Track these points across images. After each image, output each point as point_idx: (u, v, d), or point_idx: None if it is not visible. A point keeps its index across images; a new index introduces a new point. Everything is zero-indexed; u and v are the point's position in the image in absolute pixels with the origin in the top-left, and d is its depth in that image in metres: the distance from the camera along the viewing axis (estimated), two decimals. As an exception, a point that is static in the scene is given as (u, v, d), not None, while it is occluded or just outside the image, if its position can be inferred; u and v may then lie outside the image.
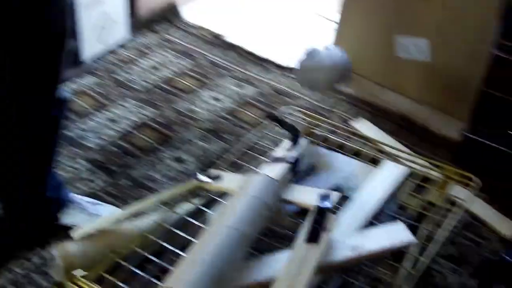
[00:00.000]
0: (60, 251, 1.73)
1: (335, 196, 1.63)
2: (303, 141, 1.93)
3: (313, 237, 1.47)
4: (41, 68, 1.73)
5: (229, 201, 1.60)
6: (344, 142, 2.03)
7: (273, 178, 1.64)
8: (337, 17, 3.00)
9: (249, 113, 2.72)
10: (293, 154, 1.81)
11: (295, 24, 3.43)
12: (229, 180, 1.74)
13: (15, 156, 1.89)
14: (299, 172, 1.84)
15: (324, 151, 1.98)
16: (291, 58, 3.08)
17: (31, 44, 1.65)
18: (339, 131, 2.07)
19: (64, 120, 1.92)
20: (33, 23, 1.62)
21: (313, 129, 2.11)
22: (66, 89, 1.85)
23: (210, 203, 1.78)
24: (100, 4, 2.90)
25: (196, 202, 1.79)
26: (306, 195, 1.66)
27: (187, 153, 2.45)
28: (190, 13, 3.42)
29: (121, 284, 1.45)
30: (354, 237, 1.56)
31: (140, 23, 3.26)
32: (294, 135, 1.90)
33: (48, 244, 1.99)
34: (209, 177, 1.76)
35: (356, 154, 2.00)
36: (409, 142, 2.55)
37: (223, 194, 1.76)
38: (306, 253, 1.43)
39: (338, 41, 3.01)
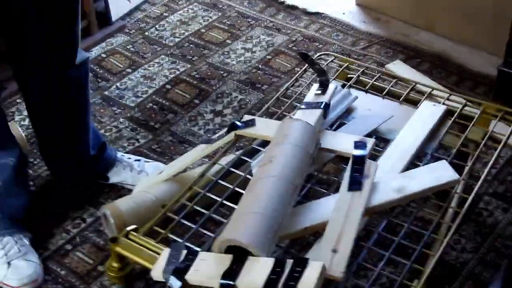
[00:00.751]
0: (111, 209, 1.79)
1: (370, 142, 1.64)
2: (336, 85, 1.93)
3: (355, 185, 1.49)
4: (59, 28, 1.77)
5: (269, 150, 1.61)
6: (380, 84, 2.02)
7: (309, 124, 1.65)
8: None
9: (282, 62, 2.72)
10: (325, 99, 1.81)
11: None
12: (264, 126, 1.75)
13: (49, 119, 1.95)
14: (333, 117, 1.85)
15: (359, 94, 1.97)
16: (318, 3, 3.06)
17: None
18: (374, 74, 2.06)
19: (87, 79, 1.97)
20: None
21: (347, 72, 2.11)
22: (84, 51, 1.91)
23: (251, 152, 1.81)
24: (124, -38, 2.91)
25: (238, 153, 1.81)
26: (343, 142, 1.67)
27: (224, 106, 2.48)
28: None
29: (173, 236, 1.49)
30: (397, 179, 1.57)
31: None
32: (324, 78, 1.89)
33: (99, 203, 2.05)
34: (245, 123, 1.77)
35: (393, 96, 2.00)
36: (446, 82, 2.54)
37: (264, 144, 1.77)
38: (351, 200, 1.45)
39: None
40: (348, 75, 2.09)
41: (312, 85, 1.92)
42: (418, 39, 2.81)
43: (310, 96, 1.85)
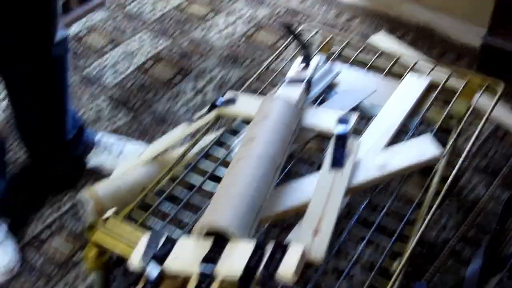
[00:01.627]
0: (89, 194, 1.75)
1: (353, 118, 1.61)
2: (320, 59, 1.89)
3: (338, 163, 1.47)
4: (36, 6, 1.71)
5: (251, 128, 1.58)
6: (363, 57, 1.99)
7: (291, 101, 1.62)
8: None
9: (265, 36, 2.68)
10: (308, 73, 1.78)
11: None
12: (246, 103, 1.71)
13: (26, 101, 1.90)
14: (316, 93, 1.82)
15: (343, 68, 1.94)
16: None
17: None
18: (358, 47, 2.02)
19: (66, 59, 1.91)
20: None
21: (330, 45, 2.07)
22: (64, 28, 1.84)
23: (233, 130, 1.78)
24: None
25: (219, 131, 1.78)
26: (325, 119, 1.64)
27: (206, 83, 2.44)
28: None
29: (154, 219, 1.47)
30: (380, 156, 1.55)
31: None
32: (307, 52, 1.86)
33: (78, 187, 2.01)
34: (226, 101, 1.73)
35: (377, 69, 1.97)
36: (430, 54, 2.52)
37: (245, 121, 1.74)
38: (333, 178, 1.43)
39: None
40: (332, 49, 2.05)
41: (295, 59, 1.88)
42: (402, 10, 2.77)
43: (293, 71, 1.81)
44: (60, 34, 1.80)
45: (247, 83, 1.91)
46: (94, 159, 2.06)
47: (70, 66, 2.22)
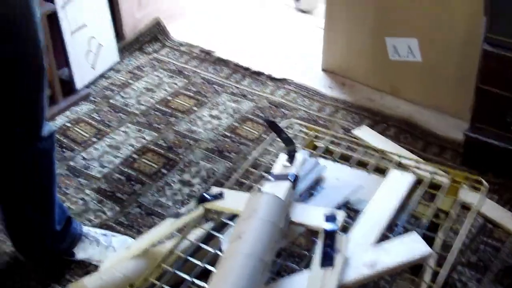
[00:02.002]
0: (78, 287, 1.73)
1: (341, 215, 1.62)
2: (304, 155, 1.92)
3: (327, 261, 1.47)
4: (24, 103, 1.74)
5: (239, 225, 1.58)
6: (347, 152, 2.02)
7: (279, 198, 1.63)
8: (324, 22, 3.01)
9: (249, 129, 2.71)
10: (293, 169, 1.80)
11: (285, 34, 3.43)
12: (233, 198, 1.73)
13: (15, 194, 1.90)
14: (302, 188, 1.83)
15: (327, 163, 1.97)
16: (284, 69, 3.09)
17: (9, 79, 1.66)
18: (342, 142, 2.06)
19: (53, 152, 1.92)
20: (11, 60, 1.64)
21: (314, 141, 2.10)
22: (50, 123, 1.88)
23: (221, 226, 1.78)
24: (85, 29, 2.89)
25: (207, 226, 1.78)
26: (312, 216, 1.65)
27: (193, 176, 2.45)
28: (177, 30, 3.41)
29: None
30: (369, 253, 1.55)
31: (128, 45, 3.26)
32: (291, 148, 1.88)
33: (66, 280, 1.99)
34: (212, 196, 1.74)
35: (361, 164, 1.99)
36: (414, 147, 2.56)
37: (233, 217, 1.75)
38: (324, 277, 1.43)
39: (328, 48, 3.02)
40: (316, 144, 2.08)
41: (281, 153, 1.90)
42: (384, 104, 2.83)
43: (278, 167, 1.83)
44: (47, 129, 1.82)
45: (234, 177, 1.92)
46: (82, 252, 2.04)
47: (56, 158, 2.22)
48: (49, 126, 1.86)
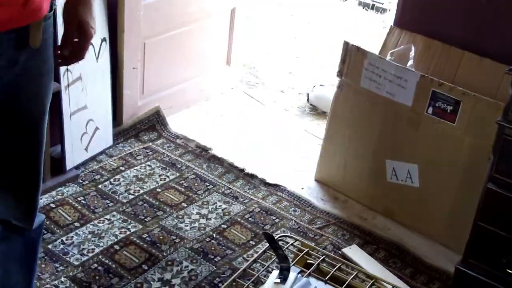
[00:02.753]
0: None
1: None
2: (295, 272, 1.87)
3: None
4: (18, 194, 1.73)
5: None
6: (339, 274, 1.96)
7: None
8: (323, 135, 3.01)
9: (237, 233, 2.65)
10: (285, 288, 1.74)
11: (282, 140, 3.42)
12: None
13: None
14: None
15: (318, 284, 1.91)
16: (278, 175, 3.05)
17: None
18: (333, 262, 2.01)
19: (39, 242, 1.89)
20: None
21: (306, 258, 2.05)
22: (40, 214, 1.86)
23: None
24: (85, 111, 2.86)
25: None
26: None
27: (174, 276, 2.37)
28: (176, 122, 3.40)
29: None
30: None
31: (124, 130, 3.22)
32: (285, 266, 1.83)
33: None
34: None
35: (350, 287, 1.94)
36: (403, 274, 2.51)
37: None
38: None
39: (323, 160, 3.00)
40: (308, 261, 2.03)
41: (270, 267, 1.85)
42: (376, 224, 2.79)
43: (269, 284, 1.77)
44: (38, 220, 1.79)
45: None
46: None
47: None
48: (40, 217, 1.83)
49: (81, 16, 1.63)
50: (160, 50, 3.27)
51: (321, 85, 3.79)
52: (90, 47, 2.80)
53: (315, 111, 3.72)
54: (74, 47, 1.67)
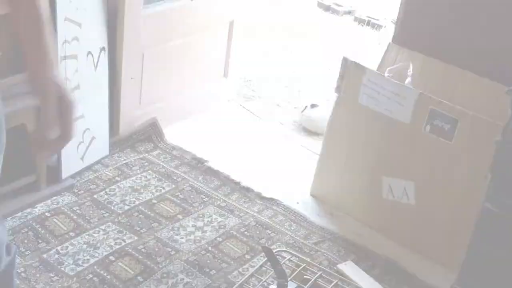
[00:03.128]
0: None
1: None
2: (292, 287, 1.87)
3: None
4: None
5: None
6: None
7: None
8: (320, 150, 3.01)
9: (233, 247, 2.64)
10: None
11: (278, 154, 3.41)
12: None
13: None
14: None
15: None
16: (274, 188, 3.05)
17: None
18: (330, 278, 2.01)
19: (14, 270, 1.72)
20: None
21: (303, 273, 2.05)
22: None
23: None
24: (82, 120, 2.85)
25: None
26: None
27: (169, 288, 2.36)
28: (173, 133, 3.39)
29: None
30: None
31: (120, 140, 3.21)
32: (283, 281, 1.84)
33: None
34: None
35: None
36: (398, 292, 2.51)
37: None
38: None
39: (319, 175, 3.00)
40: (305, 276, 2.03)
41: (265, 281, 1.85)
42: (371, 240, 2.79)
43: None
44: (13, 250, 1.64)
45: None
46: None
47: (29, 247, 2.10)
48: (15, 248, 1.68)
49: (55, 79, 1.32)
50: (158, 61, 3.27)
51: (312, 105, 3.68)
52: (89, 56, 2.83)
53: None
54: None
